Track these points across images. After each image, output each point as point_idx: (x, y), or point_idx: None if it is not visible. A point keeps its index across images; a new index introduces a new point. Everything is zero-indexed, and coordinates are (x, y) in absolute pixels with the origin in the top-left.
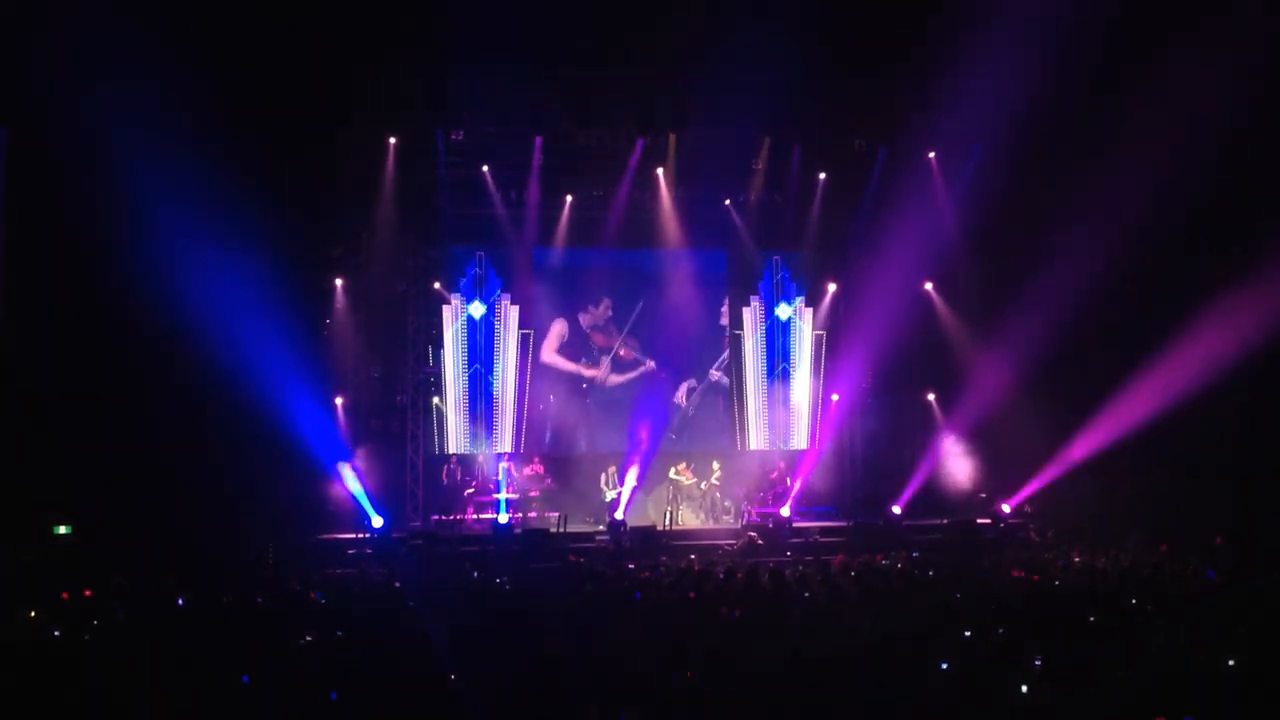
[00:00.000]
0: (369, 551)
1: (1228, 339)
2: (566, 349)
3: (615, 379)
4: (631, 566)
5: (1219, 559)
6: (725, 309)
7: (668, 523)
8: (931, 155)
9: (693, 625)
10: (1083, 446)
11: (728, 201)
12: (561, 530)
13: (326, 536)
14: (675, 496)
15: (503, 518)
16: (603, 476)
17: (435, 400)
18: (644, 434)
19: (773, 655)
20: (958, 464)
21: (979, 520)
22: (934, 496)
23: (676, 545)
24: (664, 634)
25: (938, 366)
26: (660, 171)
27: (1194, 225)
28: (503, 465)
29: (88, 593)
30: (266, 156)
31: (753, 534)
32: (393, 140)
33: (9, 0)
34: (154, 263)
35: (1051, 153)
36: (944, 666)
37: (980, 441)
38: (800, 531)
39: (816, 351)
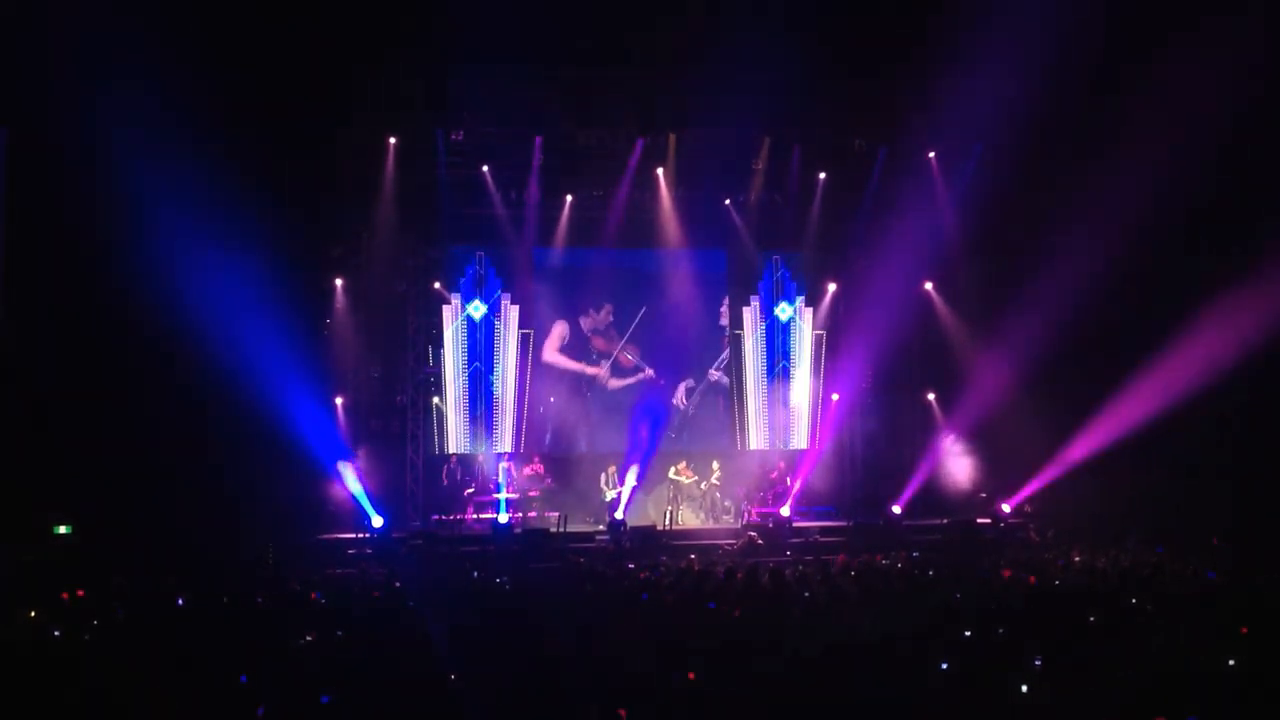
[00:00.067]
0: (369, 551)
1: (1228, 339)
2: (568, 350)
3: (615, 383)
4: (631, 566)
5: (1219, 559)
6: (725, 309)
7: (668, 523)
8: (931, 155)
9: (693, 625)
10: (1083, 446)
11: (728, 201)
12: (561, 530)
13: (326, 536)
14: (675, 496)
15: (503, 518)
16: (603, 476)
17: (435, 400)
18: (644, 434)
19: (773, 655)
20: (958, 464)
21: (979, 520)
22: (934, 496)
23: (676, 545)
24: (664, 634)
25: (938, 366)
26: (660, 171)
27: (1194, 225)
28: (503, 465)
29: (80, 593)
30: (266, 156)
31: (753, 534)
32: (393, 140)
33: (9, 0)
34: (154, 263)
35: (1051, 153)
36: (944, 666)
37: (980, 441)
38: (800, 531)
39: (816, 351)
